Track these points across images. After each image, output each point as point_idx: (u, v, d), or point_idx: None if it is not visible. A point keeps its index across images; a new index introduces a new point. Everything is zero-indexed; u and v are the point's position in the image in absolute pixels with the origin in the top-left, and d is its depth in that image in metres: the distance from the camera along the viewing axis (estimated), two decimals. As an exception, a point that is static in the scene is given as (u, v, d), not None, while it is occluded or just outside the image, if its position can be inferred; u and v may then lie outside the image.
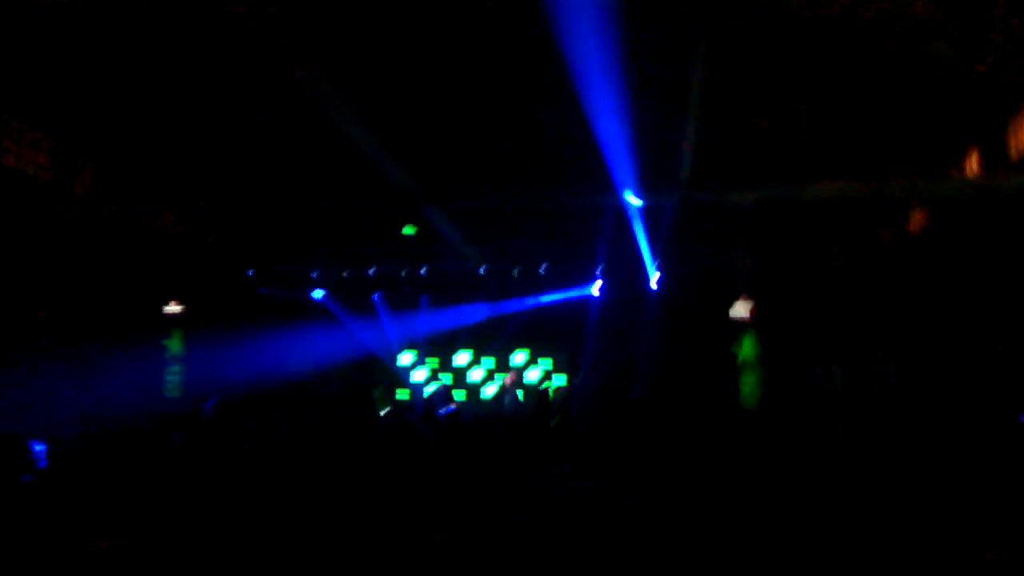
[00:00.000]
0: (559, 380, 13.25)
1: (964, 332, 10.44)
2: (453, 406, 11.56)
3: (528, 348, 13.34)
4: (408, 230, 11.66)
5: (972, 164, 9.34)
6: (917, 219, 10.96)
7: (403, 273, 12.70)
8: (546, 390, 11.80)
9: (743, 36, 7.49)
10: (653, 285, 11.77)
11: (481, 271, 12.47)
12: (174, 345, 11.10)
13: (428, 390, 13.14)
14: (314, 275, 12.80)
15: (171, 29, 7.41)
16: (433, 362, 13.85)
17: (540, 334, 13.26)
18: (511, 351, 13.43)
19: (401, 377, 13.68)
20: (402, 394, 13.43)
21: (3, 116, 8.76)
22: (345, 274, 12.74)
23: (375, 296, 13.37)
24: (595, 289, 12.33)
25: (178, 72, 8.21)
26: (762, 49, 7.79)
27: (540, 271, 12.14)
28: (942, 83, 8.05)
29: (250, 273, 12.68)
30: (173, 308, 11.07)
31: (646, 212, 10.34)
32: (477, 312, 13.11)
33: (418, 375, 13.71)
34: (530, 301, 12.75)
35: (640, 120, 8.26)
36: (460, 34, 7.53)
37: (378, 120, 8.63)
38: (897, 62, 7.71)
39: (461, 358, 13.65)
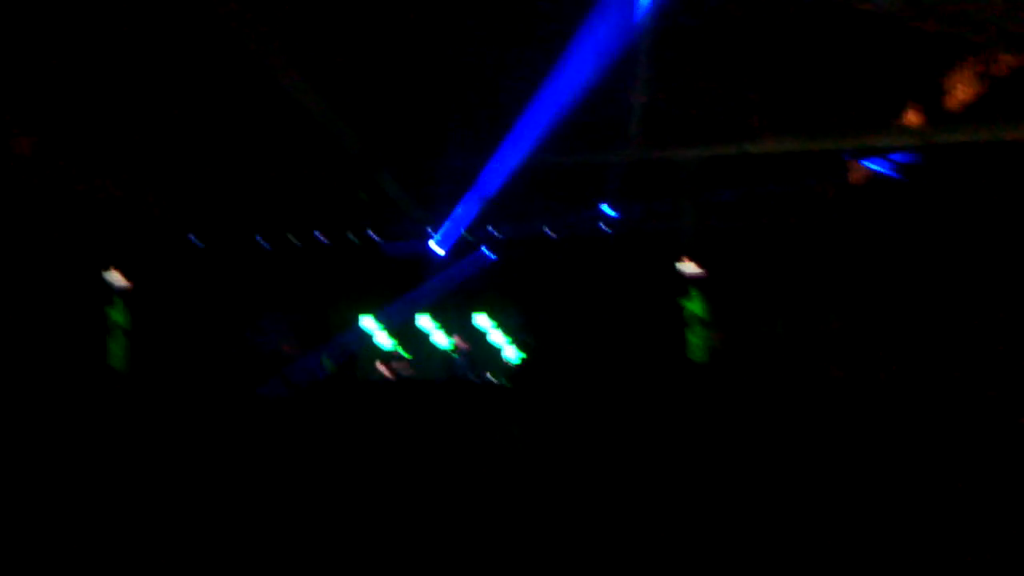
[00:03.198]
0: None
1: (907, 283, 10.71)
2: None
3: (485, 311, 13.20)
4: (362, 195, 11.50)
5: (912, 117, 9.51)
6: (859, 172, 11.16)
7: (354, 237, 12.54)
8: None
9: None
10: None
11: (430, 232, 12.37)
12: (117, 315, 10.86)
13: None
14: (258, 239, 12.56)
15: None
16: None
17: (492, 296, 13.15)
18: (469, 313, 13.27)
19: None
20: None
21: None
22: (292, 238, 12.53)
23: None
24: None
25: (117, 34, 7.93)
26: (705, 6, 7.81)
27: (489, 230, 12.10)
28: (882, 37, 8.14)
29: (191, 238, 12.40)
30: (115, 276, 10.81)
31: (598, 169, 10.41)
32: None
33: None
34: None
35: (588, 77, 8.22)
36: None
37: (325, 80, 8.45)
38: (837, 16, 7.78)
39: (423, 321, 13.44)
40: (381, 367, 12.32)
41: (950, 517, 4.09)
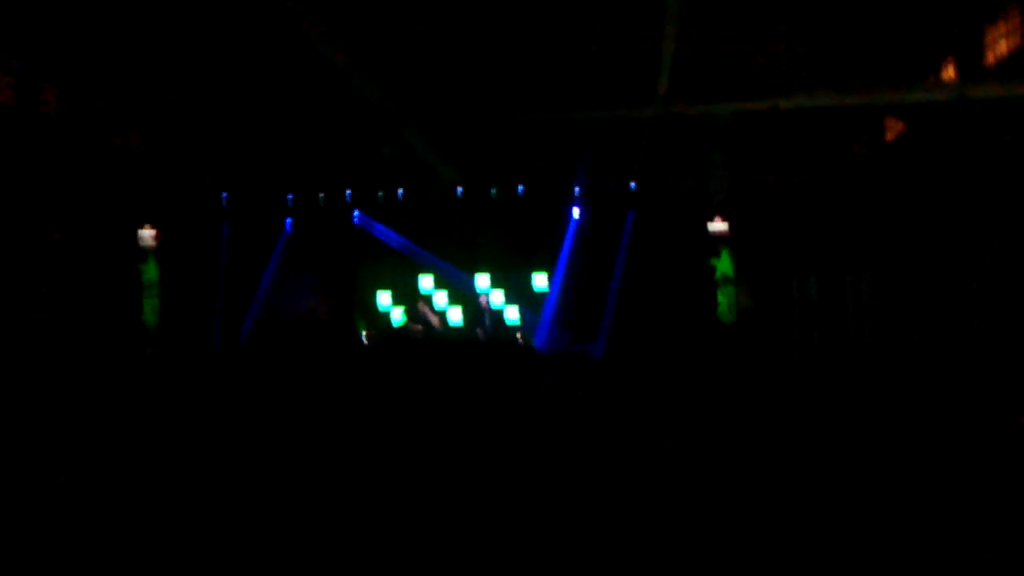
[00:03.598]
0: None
1: (941, 241, 10.56)
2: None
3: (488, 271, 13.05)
4: (384, 151, 11.47)
5: (948, 72, 9.31)
6: (894, 128, 10.97)
7: (379, 194, 12.51)
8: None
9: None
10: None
11: (458, 192, 12.33)
12: (149, 271, 11.00)
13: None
14: (289, 197, 12.59)
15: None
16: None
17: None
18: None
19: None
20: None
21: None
22: (320, 196, 12.54)
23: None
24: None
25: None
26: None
27: (518, 191, 12.01)
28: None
29: (224, 196, 12.44)
30: (147, 233, 10.92)
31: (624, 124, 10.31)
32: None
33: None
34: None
35: (617, 34, 8.15)
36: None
37: (350, 36, 8.44)
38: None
39: (425, 282, 13.30)
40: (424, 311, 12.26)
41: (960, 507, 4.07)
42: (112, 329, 10.34)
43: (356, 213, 12.71)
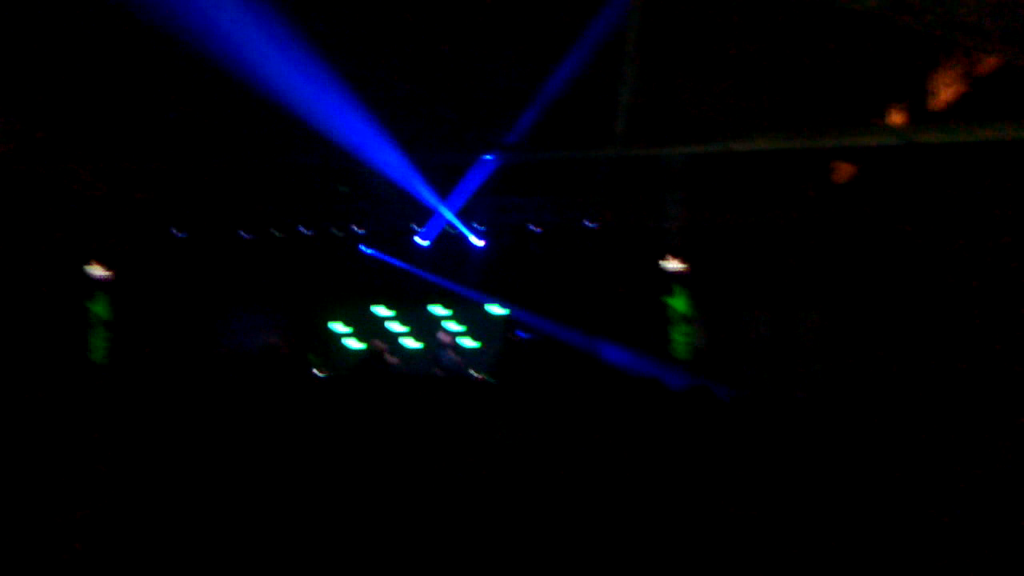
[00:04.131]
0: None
1: (889, 279, 10.81)
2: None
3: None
4: (342, 188, 11.45)
5: (896, 116, 9.58)
6: (842, 171, 11.24)
7: (336, 231, 12.49)
8: None
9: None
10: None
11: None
12: (99, 309, 10.78)
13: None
14: (241, 233, 12.48)
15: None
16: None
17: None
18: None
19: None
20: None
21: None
22: (276, 233, 12.46)
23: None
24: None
25: (95, 26, 7.86)
26: (692, 5, 7.84)
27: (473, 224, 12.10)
28: (866, 38, 8.20)
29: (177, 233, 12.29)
30: (97, 270, 10.72)
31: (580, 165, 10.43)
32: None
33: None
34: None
35: (576, 75, 8.25)
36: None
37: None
38: (822, 16, 7.83)
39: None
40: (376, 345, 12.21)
41: (946, 517, 4.13)
42: (56, 364, 10.12)
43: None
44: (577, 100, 8.71)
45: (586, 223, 12.12)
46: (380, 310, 13.15)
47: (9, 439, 6.68)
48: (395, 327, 13.15)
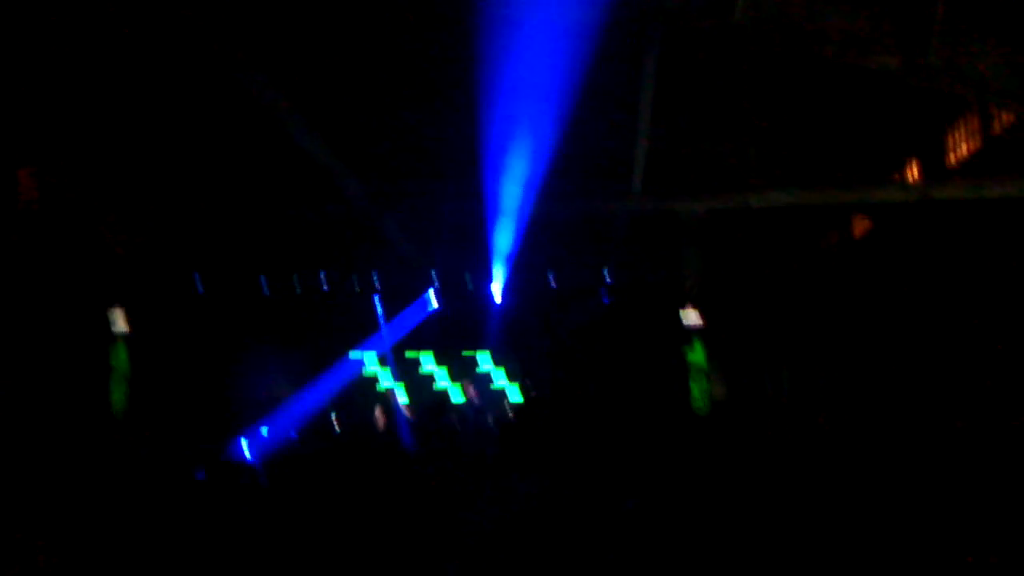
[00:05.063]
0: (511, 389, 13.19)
1: (910, 332, 10.73)
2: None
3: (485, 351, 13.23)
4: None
5: (913, 172, 9.62)
6: (860, 226, 11.25)
7: (355, 280, 12.63)
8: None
9: (690, 50, 7.61)
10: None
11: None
12: (119, 360, 10.84)
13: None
14: (262, 280, 12.62)
15: (113, 35, 7.28)
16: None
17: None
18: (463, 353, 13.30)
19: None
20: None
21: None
22: (295, 281, 12.59)
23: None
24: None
25: (122, 79, 8.06)
26: (709, 62, 7.94)
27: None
28: (882, 95, 8.27)
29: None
30: (118, 321, 10.79)
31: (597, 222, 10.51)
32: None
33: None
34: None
35: (592, 130, 8.35)
36: (402, 40, 7.52)
37: (326, 125, 8.57)
38: (839, 75, 7.91)
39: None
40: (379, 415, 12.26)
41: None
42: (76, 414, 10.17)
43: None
44: (593, 156, 8.81)
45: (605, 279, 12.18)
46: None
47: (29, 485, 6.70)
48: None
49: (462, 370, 13.15)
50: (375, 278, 12.88)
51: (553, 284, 12.29)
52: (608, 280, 12.12)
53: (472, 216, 10.32)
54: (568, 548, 5.03)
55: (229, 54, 6.88)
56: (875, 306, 11.29)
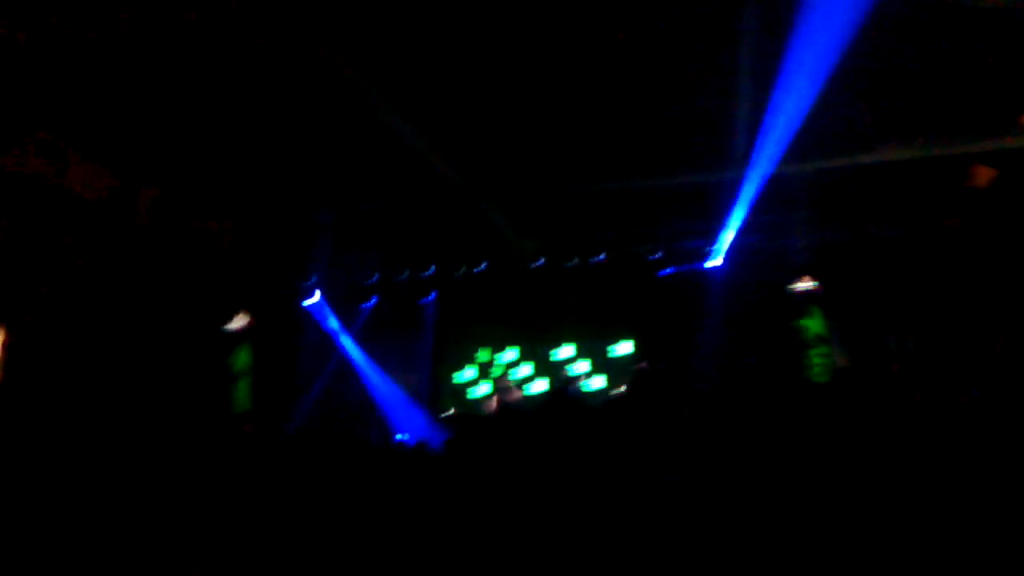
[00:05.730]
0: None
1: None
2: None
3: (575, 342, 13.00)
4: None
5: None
6: (983, 175, 10.63)
7: (459, 272, 12.65)
8: None
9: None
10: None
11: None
12: (240, 359, 11.20)
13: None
14: (374, 279, 12.81)
15: (203, 40, 7.45)
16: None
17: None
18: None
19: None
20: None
21: (63, 145, 8.89)
22: (404, 276, 12.73)
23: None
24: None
25: (217, 84, 8.24)
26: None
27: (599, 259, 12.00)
28: (1004, 36, 7.78)
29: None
30: (237, 322, 11.16)
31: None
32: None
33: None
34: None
35: (694, 98, 8.15)
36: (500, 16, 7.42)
37: (420, 113, 8.59)
38: (957, 15, 7.47)
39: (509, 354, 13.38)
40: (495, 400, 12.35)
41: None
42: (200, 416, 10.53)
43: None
44: (696, 122, 8.56)
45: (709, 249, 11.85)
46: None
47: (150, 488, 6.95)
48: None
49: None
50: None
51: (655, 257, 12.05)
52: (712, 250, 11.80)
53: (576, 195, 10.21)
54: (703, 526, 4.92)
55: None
56: (1005, 261, 10.67)
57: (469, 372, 13.19)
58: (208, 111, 8.80)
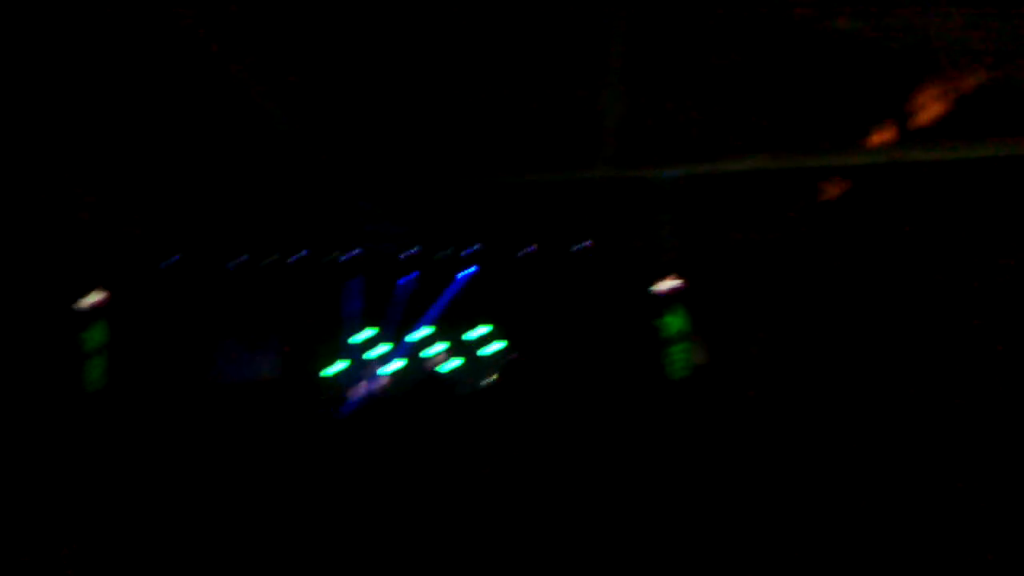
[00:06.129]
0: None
1: (882, 299, 10.81)
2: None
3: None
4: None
5: (880, 136, 9.64)
6: (832, 190, 11.28)
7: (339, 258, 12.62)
8: None
9: (661, 12, 7.58)
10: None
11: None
12: (95, 336, 10.81)
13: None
14: (245, 258, 12.57)
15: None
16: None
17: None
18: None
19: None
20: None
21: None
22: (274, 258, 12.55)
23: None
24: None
25: (88, 51, 7.95)
26: (681, 25, 7.90)
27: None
28: (851, 57, 8.27)
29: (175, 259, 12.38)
30: (93, 298, 10.75)
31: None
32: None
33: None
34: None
35: (562, 96, 8.32)
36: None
37: (299, 103, 8.51)
38: (804, 35, 7.90)
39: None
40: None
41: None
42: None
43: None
44: (562, 120, 8.76)
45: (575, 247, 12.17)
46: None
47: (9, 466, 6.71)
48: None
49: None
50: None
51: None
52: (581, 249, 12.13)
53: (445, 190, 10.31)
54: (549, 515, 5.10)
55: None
56: (848, 270, 11.35)
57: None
58: (73, 78, 8.47)
